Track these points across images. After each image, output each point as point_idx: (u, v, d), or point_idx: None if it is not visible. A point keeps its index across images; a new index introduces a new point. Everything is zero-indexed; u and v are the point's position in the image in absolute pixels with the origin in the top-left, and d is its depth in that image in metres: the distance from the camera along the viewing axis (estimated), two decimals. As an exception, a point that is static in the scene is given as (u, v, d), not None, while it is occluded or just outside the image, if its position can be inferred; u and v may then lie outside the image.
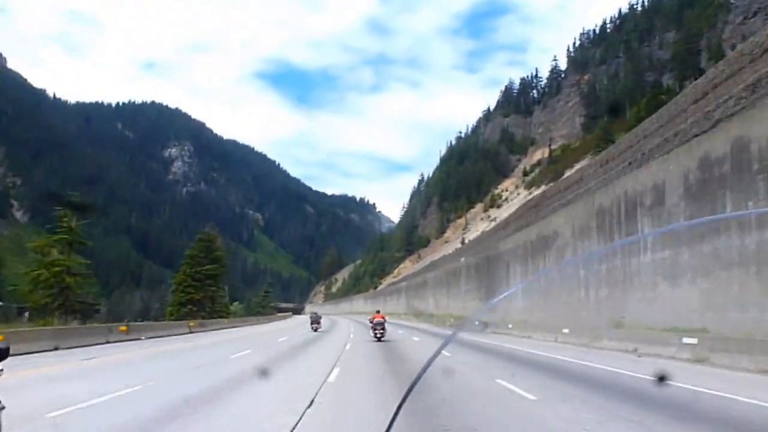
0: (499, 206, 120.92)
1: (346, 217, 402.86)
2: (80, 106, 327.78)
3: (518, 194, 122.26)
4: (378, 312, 25.64)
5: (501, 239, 44.21)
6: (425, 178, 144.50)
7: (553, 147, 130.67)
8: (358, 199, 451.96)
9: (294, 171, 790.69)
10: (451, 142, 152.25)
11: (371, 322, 24.70)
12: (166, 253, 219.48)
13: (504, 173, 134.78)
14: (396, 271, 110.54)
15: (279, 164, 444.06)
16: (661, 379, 7.96)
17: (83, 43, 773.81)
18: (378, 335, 23.55)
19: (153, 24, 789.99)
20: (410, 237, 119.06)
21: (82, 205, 52.66)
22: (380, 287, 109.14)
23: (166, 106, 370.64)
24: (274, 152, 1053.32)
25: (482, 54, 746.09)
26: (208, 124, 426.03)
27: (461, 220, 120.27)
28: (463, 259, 37.91)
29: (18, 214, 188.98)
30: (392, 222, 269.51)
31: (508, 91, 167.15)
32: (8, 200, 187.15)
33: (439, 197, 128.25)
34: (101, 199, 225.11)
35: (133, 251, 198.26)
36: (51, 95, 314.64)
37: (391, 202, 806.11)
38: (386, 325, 24.57)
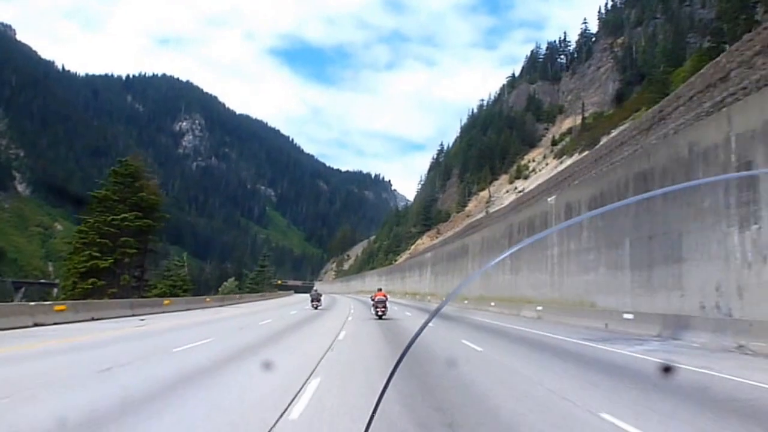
0: (525, 177, 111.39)
1: (361, 194, 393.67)
2: (89, 78, 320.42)
3: (546, 164, 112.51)
4: (380, 290, 26.36)
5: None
6: (445, 148, 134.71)
7: (580, 116, 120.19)
8: (372, 175, 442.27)
9: (308, 148, 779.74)
10: (472, 110, 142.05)
11: (373, 300, 25.25)
12: (173, 229, 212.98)
13: (530, 143, 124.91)
14: (413, 248, 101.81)
15: (292, 140, 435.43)
16: (667, 369, 7.75)
17: (98, 18, 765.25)
18: (379, 313, 24.11)
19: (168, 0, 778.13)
20: (428, 211, 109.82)
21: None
22: (397, 263, 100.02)
23: (177, 79, 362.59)
24: (288, 129, 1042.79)
25: (499, 31, 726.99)
26: (221, 98, 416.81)
27: (484, 193, 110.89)
28: (551, 198, 27.34)
29: (20, 187, 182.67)
30: (407, 200, 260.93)
31: (533, 57, 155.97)
32: (11, 172, 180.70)
33: (460, 169, 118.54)
34: (106, 172, 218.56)
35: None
36: (60, 67, 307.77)
37: (405, 181, 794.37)
38: (387, 303, 25.14)
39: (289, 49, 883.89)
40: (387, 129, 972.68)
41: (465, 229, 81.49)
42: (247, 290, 78.44)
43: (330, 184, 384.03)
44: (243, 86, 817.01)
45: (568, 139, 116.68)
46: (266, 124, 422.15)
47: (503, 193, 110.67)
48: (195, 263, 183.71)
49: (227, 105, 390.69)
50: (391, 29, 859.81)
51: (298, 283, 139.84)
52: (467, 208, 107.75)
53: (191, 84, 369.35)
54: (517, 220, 35.63)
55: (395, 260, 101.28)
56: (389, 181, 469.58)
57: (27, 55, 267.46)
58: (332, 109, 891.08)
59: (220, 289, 79.53)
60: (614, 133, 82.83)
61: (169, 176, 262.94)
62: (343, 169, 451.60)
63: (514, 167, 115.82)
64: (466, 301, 36.15)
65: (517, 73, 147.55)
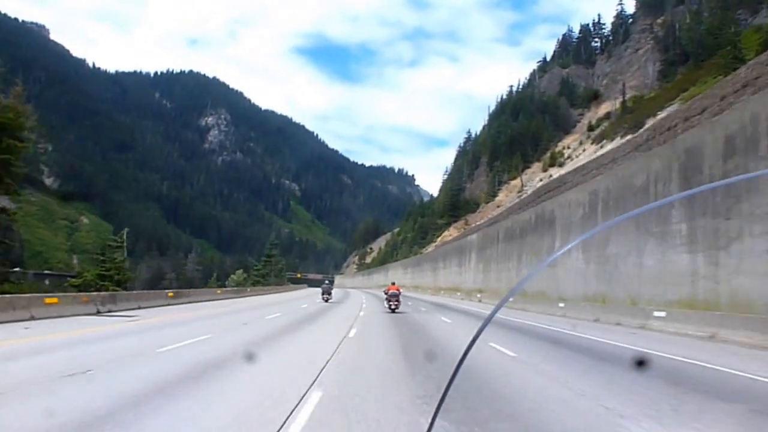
0: (561, 165, 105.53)
1: (384, 189, 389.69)
2: (118, 76, 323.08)
3: (584, 150, 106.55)
4: (393, 284, 26.04)
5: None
6: (472, 136, 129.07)
7: (620, 100, 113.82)
8: (396, 170, 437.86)
9: (332, 144, 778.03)
10: (501, 96, 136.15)
11: (386, 294, 25.11)
12: (198, 222, 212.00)
13: (565, 129, 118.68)
14: (439, 239, 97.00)
15: (317, 135, 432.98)
16: (640, 363, 7.23)
17: (129, 20, 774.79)
18: (392, 306, 23.88)
19: (197, 1, 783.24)
20: (455, 202, 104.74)
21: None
22: (426, 252, 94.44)
23: (204, 75, 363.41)
24: (313, 126, 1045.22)
25: (523, 26, 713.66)
26: (246, 94, 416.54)
27: (516, 182, 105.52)
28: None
29: (48, 181, 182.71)
30: (431, 195, 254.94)
31: (565, 40, 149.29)
32: (38, 166, 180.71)
33: (489, 157, 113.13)
34: (132, 166, 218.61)
35: (162, 220, 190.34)
36: (90, 65, 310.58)
37: (429, 177, 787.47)
38: (400, 297, 24.72)
39: (314, 48, 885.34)
40: (410, 125, 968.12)
41: (534, 196, 72.39)
42: (251, 283, 74.07)
43: (354, 179, 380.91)
44: (268, 84, 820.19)
45: (606, 124, 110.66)
46: (291, 119, 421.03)
47: (536, 181, 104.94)
48: (218, 256, 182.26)
49: (253, 101, 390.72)
50: (414, 26, 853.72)
51: (319, 276, 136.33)
52: (497, 198, 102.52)
53: (217, 80, 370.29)
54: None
55: (420, 252, 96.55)
56: (413, 175, 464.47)
57: (59, 53, 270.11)
58: (357, 106, 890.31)
59: (227, 281, 75.49)
60: (662, 114, 77.12)
61: (194, 171, 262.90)
62: (367, 164, 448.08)
63: (548, 154, 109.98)
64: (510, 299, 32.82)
65: (548, 57, 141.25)
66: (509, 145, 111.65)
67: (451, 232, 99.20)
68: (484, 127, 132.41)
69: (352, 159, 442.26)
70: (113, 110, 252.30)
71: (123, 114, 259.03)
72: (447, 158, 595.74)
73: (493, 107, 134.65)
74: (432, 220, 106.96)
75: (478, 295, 41.30)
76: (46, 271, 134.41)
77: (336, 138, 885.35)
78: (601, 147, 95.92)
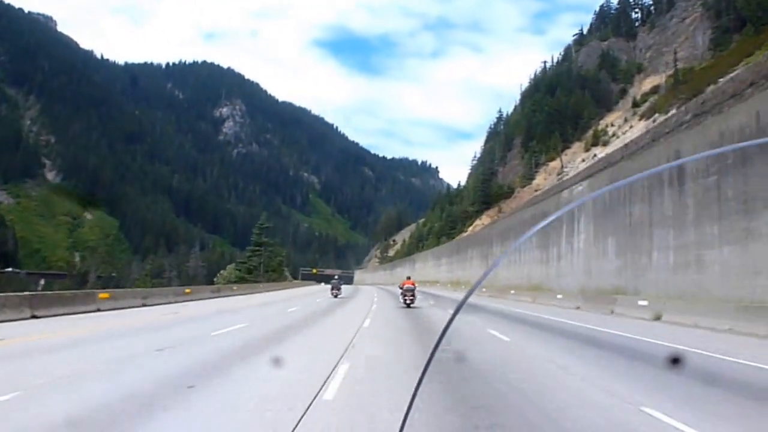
0: (605, 144, 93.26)
1: (407, 181, 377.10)
2: (128, 66, 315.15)
3: (631, 127, 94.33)
4: (408, 278, 25.85)
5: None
6: (504, 115, 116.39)
7: (670, 71, 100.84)
8: (420, 162, 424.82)
9: (354, 138, 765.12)
10: (535, 72, 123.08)
11: (401, 288, 25.03)
12: (211, 216, 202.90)
13: (607, 105, 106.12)
14: (470, 229, 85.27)
15: (336, 127, 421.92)
16: (675, 360, 6.84)
17: (144, 14, 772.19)
18: (407, 301, 23.93)
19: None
20: (487, 187, 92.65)
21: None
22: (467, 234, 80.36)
23: (218, 66, 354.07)
24: (333, 119, 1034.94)
25: (548, 15, 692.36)
26: (263, 85, 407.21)
27: (555, 164, 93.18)
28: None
29: (50, 175, 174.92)
30: (459, 182, 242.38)
31: (603, 12, 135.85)
32: (39, 159, 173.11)
33: (524, 137, 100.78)
34: (140, 159, 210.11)
35: (172, 214, 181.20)
36: (99, 56, 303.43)
37: (453, 170, 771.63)
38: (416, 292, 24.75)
39: (335, 40, 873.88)
40: (434, 117, 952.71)
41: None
42: (234, 279, 62.16)
43: (375, 171, 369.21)
44: (287, 77, 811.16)
45: (654, 98, 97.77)
46: (310, 111, 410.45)
47: (578, 162, 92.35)
48: (231, 251, 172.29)
49: (269, 92, 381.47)
50: (437, 16, 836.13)
51: (338, 272, 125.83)
52: (535, 182, 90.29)
53: (232, 71, 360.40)
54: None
55: (463, 233, 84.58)
56: (436, 167, 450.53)
57: (65, 44, 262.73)
58: (378, 99, 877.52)
59: (215, 279, 63.92)
60: (723, 81, 64.08)
61: (208, 163, 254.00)
62: (389, 156, 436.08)
63: (590, 133, 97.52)
64: (560, 296, 28.55)
65: (585, 30, 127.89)
66: (546, 124, 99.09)
67: (483, 221, 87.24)
68: (515, 108, 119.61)
69: (373, 152, 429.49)
70: (123, 101, 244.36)
71: (133, 105, 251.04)
72: (471, 151, 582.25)
73: (525, 85, 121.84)
74: (461, 208, 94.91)
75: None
76: (40, 271, 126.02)
77: (357, 132, 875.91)
78: (653, 121, 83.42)
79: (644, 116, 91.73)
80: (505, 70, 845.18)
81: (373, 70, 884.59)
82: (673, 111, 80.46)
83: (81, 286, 55.46)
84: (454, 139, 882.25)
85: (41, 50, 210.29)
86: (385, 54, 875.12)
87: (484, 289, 40.96)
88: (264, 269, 75.75)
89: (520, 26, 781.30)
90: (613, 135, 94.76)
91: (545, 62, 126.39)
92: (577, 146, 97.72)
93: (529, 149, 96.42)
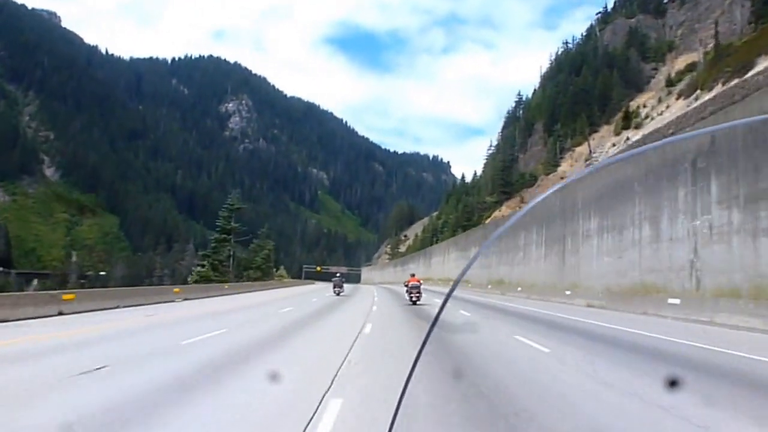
0: (637, 126, 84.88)
1: (419, 177, 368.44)
2: (133, 62, 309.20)
3: (667, 107, 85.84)
4: (413, 275, 25.82)
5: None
6: (523, 99, 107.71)
7: (706, 48, 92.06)
8: (431, 157, 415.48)
9: (363, 133, 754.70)
10: (557, 51, 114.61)
11: (407, 286, 25.44)
12: (215, 214, 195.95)
13: (637, 86, 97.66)
14: (489, 221, 77.18)
15: (346, 122, 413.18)
16: (672, 383, 5.93)
17: (152, 14, 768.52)
18: (413, 298, 24.05)
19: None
20: (506, 176, 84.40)
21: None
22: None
23: (225, 60, 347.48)
24: (343, 116, 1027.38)
25: (560, 10, 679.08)
26: (270, 80, 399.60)
27: (582, 148, 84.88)
28: None
29: (49, 172, 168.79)
30: (474, 172, 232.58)
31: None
32: (37, 155, 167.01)
33: (546, 121, 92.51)
34: (142, 155, 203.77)
35: (174, 211, 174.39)
36: (104, 51, 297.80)
37: (464, 167, 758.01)
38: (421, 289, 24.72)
39: (344, 37, 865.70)
40: (445, 114, 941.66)
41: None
42: (194, 279, 52.74)
43: (386, 167, 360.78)
44: (296, 74, 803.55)
45: (691, 76, 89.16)
46: (319, 106, 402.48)
47: (608, 147, 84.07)
48: (236, 249, 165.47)
49: (277, 87, 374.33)
50: (447, 12, 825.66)
51: (343, 269, 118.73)
52: (560, 169, 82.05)
53: (239, 65, 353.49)
54: None
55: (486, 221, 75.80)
56: (448, 162, 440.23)
57: (68, 39, 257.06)
58: (389, 97, 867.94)
59: (189, 277, 55.58)
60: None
61: (213, 159, 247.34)
62: (400, 151, 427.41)
63: (620, 115, 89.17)
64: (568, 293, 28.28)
65: (610, 7, 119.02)
66: (571, 106, 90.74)
67: (503, 212, 79.18)
68: (535, 91, 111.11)
69: (383, 147, 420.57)
70: (126, 97, 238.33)
71: (137, 101, 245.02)
72: (482, 148, 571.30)
73: (545, 68, 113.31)
74: (478, 199, 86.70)
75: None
76: (31, 271, 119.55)
77: (368, 130, 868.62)
78: (696, 99, 74.84)
79: (683, 95, 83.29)
80: (516, 65, 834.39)
81: (383, 67, 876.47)
82: (719, 86, 71.95)
83: (62, 287, 48.53)
84: (464, 136, 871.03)
85: (42, 46, 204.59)
86: (395, 51, 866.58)
87: (489, 286, 41.85)
88: (238, 265, 66.11)
89: (532, 21, 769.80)
90: (647, 117, 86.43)
91: (567, 42, 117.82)
92: (606, 130, 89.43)
93: (552, 134, 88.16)
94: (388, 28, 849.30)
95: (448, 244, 75.14)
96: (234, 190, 70.84)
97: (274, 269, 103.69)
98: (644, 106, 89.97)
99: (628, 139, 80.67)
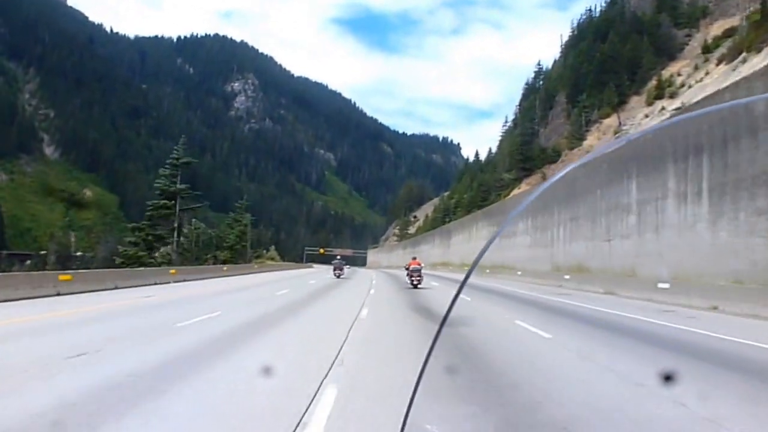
0: (672, 95, 77.93)
1: (428, 158, 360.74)
2: (137, 40, 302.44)
3: (706, 73, 79.02)
4: (414, 258, 26.30)
5: None
6: (543, 69, 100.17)
7: (746, 12, 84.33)
8: (440, 138, 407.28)
9: (372, 114, 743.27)
10: (578, 19, 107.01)
11: (407, 269, 25.40)
12: (218, 193, 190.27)
13: (668, 53, 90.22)
14: (505, 199, 70.64)
15: (354, 102, 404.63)
16: (668, 378, 5.79)
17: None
18: (414, 282, 23.95)
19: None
20: (526, 150, 77.69)
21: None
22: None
23: (231, 39, 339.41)
24: (351, 97, 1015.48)
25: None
26: (277, 60, 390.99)
27: (610, 120, 78.08)
28: None
29: (48, 150, 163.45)
30: (490, 149, 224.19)
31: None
32: (36, 134, 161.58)
33: (569, 92, 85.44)
34: (145, 134, 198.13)
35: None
36: (108, 30, 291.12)
37: (474, 150, 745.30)
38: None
39: (353, 18, 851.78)
40: (453, 96, 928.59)
41: None
42: (122, 261, 43.93)
43: (395, 148, 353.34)
44: (304, 56, 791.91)
45: (734, 39, 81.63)
46: (326, 86, 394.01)
47: (640, 118, 77.11)
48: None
49: (284, 66, 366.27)
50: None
51: (348, 252, 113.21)
52: (586, 143, 75.32)
53: (246, 44, 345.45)
54: None
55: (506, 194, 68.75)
56: (458, 144, 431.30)
57: (71, 16, 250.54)
58: (397, 78, 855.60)
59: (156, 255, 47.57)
60: None
61: (218, 139, 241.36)
62: (409, 132, 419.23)
63: (650, 84, 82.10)
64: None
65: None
66: (597, 75, 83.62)
67: (522, 190, 72.67)
68: (555, 61, 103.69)
69: (392, 128, 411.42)
70: (129, 76, 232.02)
71: (140, 80, 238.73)
72: (491, 130, 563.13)
73: (566, 36, 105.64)
74: (495, 176, 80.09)
75: None
76: (23, 251, 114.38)
77: (376, 112, 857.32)
78: (744, 62, 67.78)
79: (724, 60, 76.03)
80: (527, 46, 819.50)
81: (391, 49, 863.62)
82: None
83: (41, 268, 43.00)
84: (474, 118, 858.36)
85: (43, 23, 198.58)
86: (404, 32, 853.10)
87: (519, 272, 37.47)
88: (204, 243, 56.48)
89: (542, 1, 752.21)
90: (682, 85, 79.25)
91: (590, 8, 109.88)
92: (636, 100, 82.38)
93: (577, 105, 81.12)
94: (397, 9, 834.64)
95: (475, 217, 61.53)
96: (181, 137, 52.04)
97: (265, 250, 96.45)
98: (678, 75, 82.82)
99: (663, 108, 73.68)
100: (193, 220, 57.52)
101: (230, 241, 60.73)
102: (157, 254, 42.08)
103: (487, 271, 41.20)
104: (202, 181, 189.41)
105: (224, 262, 52.24)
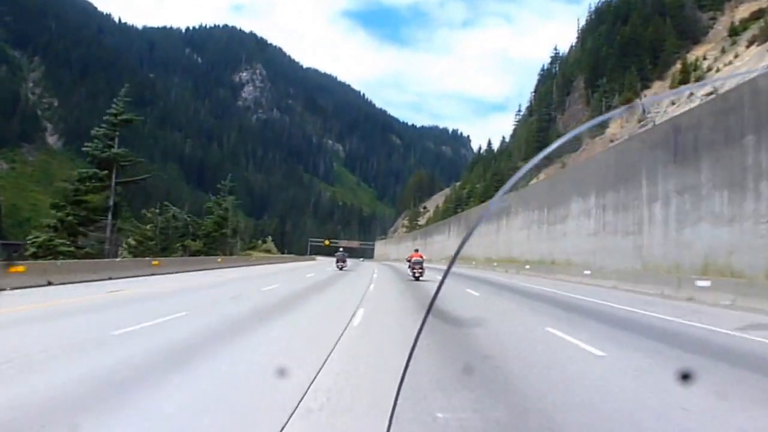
0: (698, 80, 73.87)
1: (437, 150, 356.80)
2: (146, 30, 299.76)
3: (736, 56, 75.32)
4: (416, 251, 26.00)
5: None
6: (559, 54, 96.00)
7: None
8: (450, 130, 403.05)
9: (381, 106, 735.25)
10: (597, 2, 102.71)
11: (409, 261, 25.16)
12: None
13: (692, 36, 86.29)
14: (523, 189, 66.73)
15: (363, 94, 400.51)
16: (685, 377, 5.36)
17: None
18: (416, 274, 23.93)
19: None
20: (544, 137, 74.12)
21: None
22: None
23: (240, 30, 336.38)
24: (360, 88, 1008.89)
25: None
26: (286, 50, 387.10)
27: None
28: None
29: (51, 139, 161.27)
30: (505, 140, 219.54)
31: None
32: (40, 123, 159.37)
33: (588, 77, 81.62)
34: (150, 123, 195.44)
35: (181, 182, 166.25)
36: (117, 20, 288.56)
37: (484, 143, 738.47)
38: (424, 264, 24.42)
39: (363, 11, 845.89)
40: (464, 89, 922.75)
41: None
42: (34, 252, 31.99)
43: (404, 139, 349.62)
44: (314, 49, 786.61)
45: (763, 22, 77.60)
46: (335, 78, 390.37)
47: (666, 104, 72.98)
48: (246, 221, 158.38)
49: (293, 57, 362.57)
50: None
51: (355, 243, 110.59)
52: (608, 131, 71.49)
53: (255, 35, 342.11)
54: None
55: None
56: (468, 136, 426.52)
57: (80, 7, 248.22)
58: (407, 71, 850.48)
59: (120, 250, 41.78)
60: None
61: (225, 129, 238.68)
62: (419, 124, 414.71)
63: (675, 68, 78.27)
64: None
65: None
66: (618, 59, 79.69)
67: (541, 179, 68.93)
68: (572, 47, 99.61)
69: (401, 120, 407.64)
70: (136, 65, 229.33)
71: (147, 70, 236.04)
72: (502, 123, 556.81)
73: (583, 21, 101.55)
74: (509, 164, 76.51)
75: None
76: (17, 242, 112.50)
77: (385, 104, 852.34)
78: (776, 43, 64.17)
79: (755, 41, 72.06)
80: (537, 39, 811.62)
81: (401, 42, 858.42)
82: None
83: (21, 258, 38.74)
84: (484, 111, 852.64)
85: (49, 12, 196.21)
86: (414, 25, 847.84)
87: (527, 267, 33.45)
88: (151, 226, 44.08)
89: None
90: (709, 69, 75.20)
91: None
92: (658, 85, 78.46)
93: (597, 90, 77.27)
94: (408, 2, 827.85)
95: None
96: (123, 87, 38.34)
97: (261, 241, 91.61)
98: (704, 58, 78.73)
99: (692, 94, 69.78)
100: (166, 203, 51.96)
101: (206, 228, 51.75)
102: (81, 244, 31.49)
103: (527, 267, 34.91)
104: (210, 171, 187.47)
105: (197, 253, 45.85)
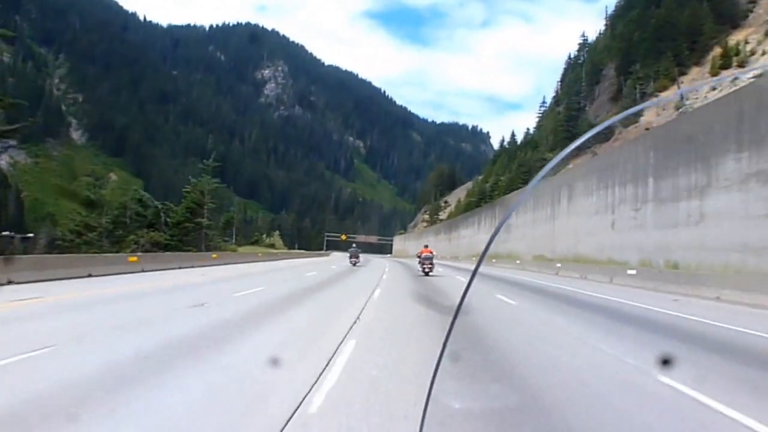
0: (740, 65, 70.12)
1: (458, 147, 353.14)
2: (170, 28, 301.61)
3: None
4: (426, 246, 25.96)
5: None
6: (587, 40, 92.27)
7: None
8: (470, 127, 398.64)
9: (401, 103, 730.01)
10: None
11: (419, 257, 25.46)
12: (246, 180, 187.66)
13: (731, 21, 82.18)
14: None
15: (384, 91, 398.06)
16: (665, 362, 5.54)
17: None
18: (426, 270, 24.23)
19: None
20: (573, 127, 70.90)
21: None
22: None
23: (263, 27, 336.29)
24: (380, 85, 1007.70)
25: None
26: (308, 48, 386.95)
27: (667, 93, 69.76)
28: None
29: (76, 135, 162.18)
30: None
31: None
32: (64, 118, 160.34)
33: (619, 64, 78.15)
34: (173, 119, 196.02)
35: (204, 176, 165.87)
36: (142, 18, 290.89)
37: (510, 132, 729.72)
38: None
39: (384, 11, 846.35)
40: (482, 88, 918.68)
41: None
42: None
43: (424, 136, 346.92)
44: (335, 47, 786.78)
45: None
46: (356, 75, 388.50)
47: (705, 92, 68.91)
48: (266, 217, 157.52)
49: (315, 55, 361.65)
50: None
51: (372, 239, 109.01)
52: (643, 119, 67.93)
53: (277, 33, 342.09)
54: None
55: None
56: (487, 132, 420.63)
57: (105, 4, 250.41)
58: (427, 70, 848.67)
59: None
60: None
61: (247, 125, 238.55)
62: (438, 121, 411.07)
63: (713, 53, 74.26)
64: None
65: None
66: (653, 43, 76.02)
67: (570, 170, 65.59)
68: (600, 34, 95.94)
69: (421, 117, 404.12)
70: (159, 62, 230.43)
71: (171, 66, 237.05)
72: (521, 121, 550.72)
73: (611, 7, 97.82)
74: (536, 155, 73.46)
75: None
76: (28, 235, 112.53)
77: (405, 102, 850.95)
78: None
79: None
80: (555, 39, 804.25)
81: (422, 41, 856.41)
82: None
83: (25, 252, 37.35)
84: (503, 110, 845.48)
85: (74, 9, 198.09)
86: (434, 25, 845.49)
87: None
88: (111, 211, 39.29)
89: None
90: (752, 53, 71.22)
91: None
92: (696, 72, 74.54)
93: (629, 77, 73.70)
94: (427, 2, 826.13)
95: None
96: (146, 84, 34.01)
97: (265, 235, 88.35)
98: (746, 43, 74.63)
99: (736, 78, 65.98)
100: (135, 187, 46.61)
101: (175, 216, 42.98)
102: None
103: (630, 272, 21.72)
104: (232, 167, 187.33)
105: (159, 247, 36.88)
